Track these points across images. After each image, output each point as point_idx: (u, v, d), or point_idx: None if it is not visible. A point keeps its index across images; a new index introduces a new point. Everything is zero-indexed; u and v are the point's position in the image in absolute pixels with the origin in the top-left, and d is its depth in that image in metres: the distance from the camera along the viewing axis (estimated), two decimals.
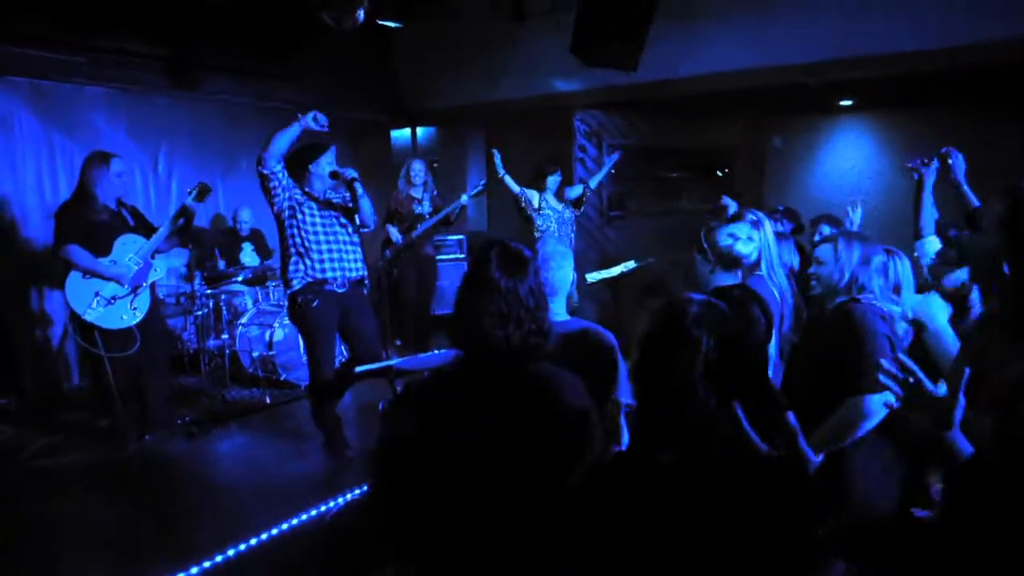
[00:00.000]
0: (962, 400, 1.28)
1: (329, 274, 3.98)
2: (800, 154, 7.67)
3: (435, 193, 6.30)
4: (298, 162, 4.01)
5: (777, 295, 2.88)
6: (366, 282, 4.25)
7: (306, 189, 4.03)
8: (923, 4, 4.99)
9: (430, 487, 1.58)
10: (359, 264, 4.14)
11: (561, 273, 2.31)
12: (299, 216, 3.95)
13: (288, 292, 4.02)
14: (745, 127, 7.62)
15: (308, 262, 3.95)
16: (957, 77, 5.48)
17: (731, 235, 2.79)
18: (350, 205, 4.09)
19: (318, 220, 4.00)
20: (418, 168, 6.19)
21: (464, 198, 5.92)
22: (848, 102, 6.88)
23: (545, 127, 7.01)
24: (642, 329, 1.46)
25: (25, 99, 5.46)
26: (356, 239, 4.15)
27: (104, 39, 5.46)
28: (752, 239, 2.87)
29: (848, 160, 7.37)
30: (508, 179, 5.78)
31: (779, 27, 5.47)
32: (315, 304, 3.95)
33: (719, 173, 7.79)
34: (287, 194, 3.92)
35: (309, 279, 3.96)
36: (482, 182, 6.02)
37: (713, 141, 7.51)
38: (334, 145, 4.13)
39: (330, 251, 4.01)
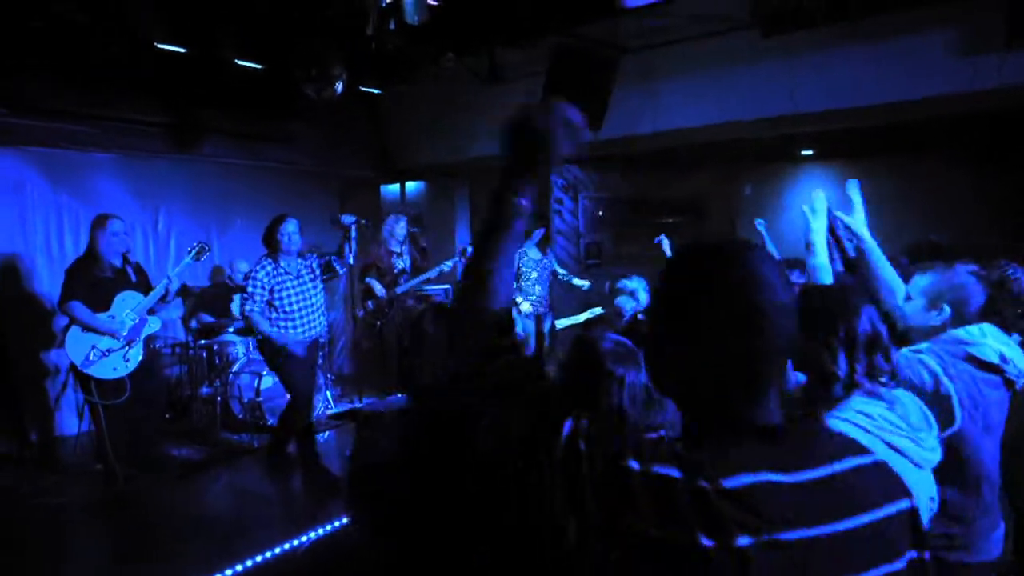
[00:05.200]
0: None
1: (299, 334, 4.89)
2: (769, 201, 8.12)
3: (420, 249, 6.83)
4: (269, 234, 4.86)
5: None
6: (322, 340, 5.19)
7: (281, 263, 4.83)
8: (861, 64, 5.45)
9: (395, 511, 1.82)
10: (322, 322, 5.10)
11: None
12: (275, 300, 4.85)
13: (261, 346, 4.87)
14: (715, 177, 8.10)
15: (283, 324, 4.84)
16: (899, 130, 5.93)
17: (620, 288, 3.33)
18: (317, 272, 5.05)
19: (292, 293, 4.88)
20: (400, 224, 6.72)
21: (447, 265, 6.46)
22: (808, 152, 7.36)
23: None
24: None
25: (36, 165, 6.07)
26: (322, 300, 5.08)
27: (109, 109, 6.06)
28: (635, 296, 3.36)
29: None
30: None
31: (730, 86, 5.96)
32: (289, 350, 4.81)
33: (697, 217, 8.23)
34: (263, 295, 4.83)
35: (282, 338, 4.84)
36: (456, 257, 6.55)
37: (685, 191, 7.99)
38: (291, 217, 4.97)
39: (302, 314, 4.89)
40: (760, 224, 5.13)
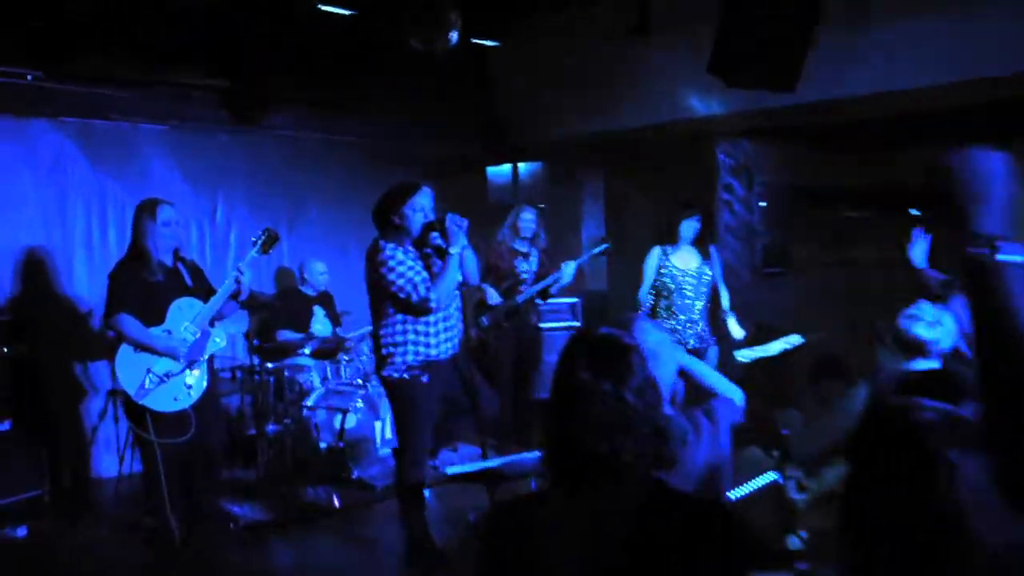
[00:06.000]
0: None
1: (439, 350, 4.34)
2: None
3: (544, 246, 6.52)
4: (392, 209, 4.29)
5: None
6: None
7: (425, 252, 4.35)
8: None
9: None
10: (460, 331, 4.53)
11: (665, 370, 2.36)
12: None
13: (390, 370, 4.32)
14: (942, 157, 7.50)
15: (414, 339, 4.28)
16: None
17: (911, 316, 2.96)
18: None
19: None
20: (528, 218, 6.44)
21: (571, 267, 6.12)
22: None
23: (680, 162, 7.17)
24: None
25: (76, 139, 6.19)
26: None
27: (159, 72, 6.13)
28: (941, 323, 2.99)
29: None
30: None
31: (975, 34, 5.44)
32: (424, 380, 4.26)
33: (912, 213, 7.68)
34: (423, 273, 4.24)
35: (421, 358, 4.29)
36: (603, 245, 6.19)
37: (898, 176, 7.44)
38: (427, 186, 4.38)
39: (442, 323, 4.36)
40: None
